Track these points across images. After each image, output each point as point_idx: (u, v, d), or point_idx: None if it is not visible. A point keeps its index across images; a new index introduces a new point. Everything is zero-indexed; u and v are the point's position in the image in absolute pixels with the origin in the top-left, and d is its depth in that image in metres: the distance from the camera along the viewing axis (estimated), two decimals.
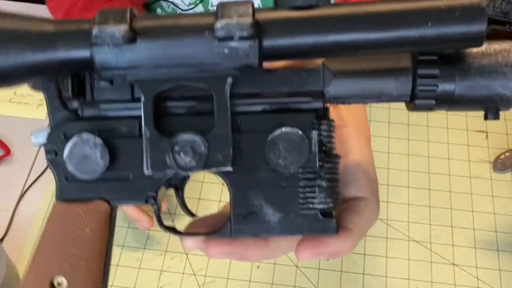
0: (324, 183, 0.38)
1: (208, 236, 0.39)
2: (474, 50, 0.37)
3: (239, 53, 0.34)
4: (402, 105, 0.40)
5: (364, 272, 0.78)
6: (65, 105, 0.38)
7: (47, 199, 0.83)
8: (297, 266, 0.77)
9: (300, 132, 0.37)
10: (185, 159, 0.36)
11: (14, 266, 0.74)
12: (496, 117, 0.38)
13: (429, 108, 0.38)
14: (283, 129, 0.37)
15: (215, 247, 0.39)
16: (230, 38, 0.34)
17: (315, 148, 0.37)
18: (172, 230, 0.41)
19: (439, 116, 0.94)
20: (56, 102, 0.38)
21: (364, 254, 0.79)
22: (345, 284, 0.77)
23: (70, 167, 0.37)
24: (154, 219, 0.81)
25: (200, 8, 0.84)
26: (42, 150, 0.39)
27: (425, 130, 0.92)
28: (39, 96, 0.93)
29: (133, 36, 0.34)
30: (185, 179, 0.42)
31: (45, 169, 0.85)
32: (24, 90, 0.94)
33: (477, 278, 0.77)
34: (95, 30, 0.34)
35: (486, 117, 0.38)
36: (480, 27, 0.34)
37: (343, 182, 0.40)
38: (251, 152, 0.37)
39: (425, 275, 0.78)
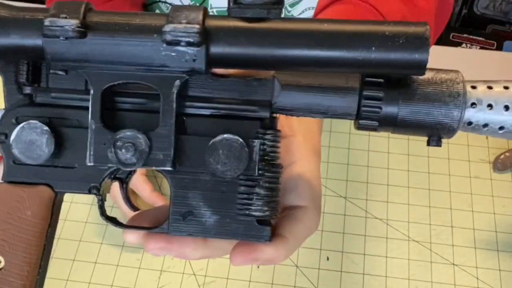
0: (262, 191, 0.38)
1: (148, 231, 0.40)
2: (421, 77, 0.37)
3: (186, 57, 0.35)
4: None
5: (364, 272, 0.78)
6: (21, 89, 0.39)
7: None
8: (297, 266, 0.77)
9: (240, 139, 0.37)
10: (126, 155, 0.37)
11: None
12: (438, 144, 0.38)
13: (373, 129, 0.39)
14: (225, 135, 0.37)
15: (153, 243, 0.40)
16: (177, 42, 0.34)
17: (255, 156, 0.38)
18: (113, 221, 0.41)
19: None
20: (13, 86, 0.39)
21: (364, 254, 0.79)
22: (345, 284, 0.77)
23: (15, 151, 0.38)
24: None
25: None
26: None
27: None
28: None
29: (83, 31, 0.35)
30: (130, 173, 0.42)
31: None
32: None
33: (477, 278, 0.77)
34: (46, 22, 0.34)
35: (428, 143, 0.39)
36: (422, 56, 0.34)
37: (284, 190, 0.41)
38: (194, 154, 0.38)
39: (425, 275, 0.78)
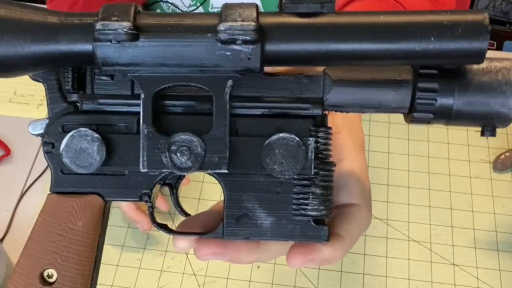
0: (318, 190, 0.38)
1: (200, 236, 0.39)
2: (475, 66, 0.37)
3: (241, 56, 0.34)
4: None
5: (364, 272, 0.78)
6: (64, 97, 0.38)
7: None
8: None
9: (297, 138, 0.37)
10: (181, 159, 0.36)
11: (14, 266, 0.74)
12: (493, 134, 0.38)
13: (427, 122, 0.38)
14: (281, 134, 0.37)
15: (206, 248, 0.39)
16: (233, 41, 0.34)
17: (311, 155, 0.37)
18: (165, 227, 0.41)
19: None
20: (56, 94, 0.38)
21: (364, 254, 0.79)
22: (345, 284, 0.77)
23: (66, 160, 0.37)
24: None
25: (200, 10, 0.84)
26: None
27: (425, 130, 0.92)
28: (39, 97, 0.93)
29: (136, 34, 0.34)
30: (180, 178, 0.42)
31: (45, 169, 0.85)
32: (24, 90, 0.94)
33: (477, 278, 0.77)
34: (98, 25, 0.33)
35: (482, 134, 0.38)
36: (482, 44, 0.34)
37: (335, 188, 0.40)
38: (247, 156, 0.37)
39: (425, 275, 0.78)
